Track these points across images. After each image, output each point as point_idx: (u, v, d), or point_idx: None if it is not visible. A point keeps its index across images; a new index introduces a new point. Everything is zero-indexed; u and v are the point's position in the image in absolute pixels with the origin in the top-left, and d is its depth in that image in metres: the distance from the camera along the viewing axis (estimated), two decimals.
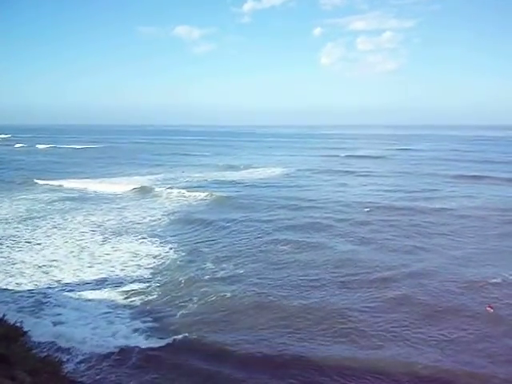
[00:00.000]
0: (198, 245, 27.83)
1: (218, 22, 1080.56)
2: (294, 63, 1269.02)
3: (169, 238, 29.33)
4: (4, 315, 10.78)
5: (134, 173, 63.61)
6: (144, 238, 29.37)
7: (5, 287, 20.99)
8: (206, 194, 44.64)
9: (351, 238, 28.87)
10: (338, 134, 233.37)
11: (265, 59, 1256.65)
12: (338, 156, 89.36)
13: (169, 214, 36.65)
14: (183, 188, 48.18)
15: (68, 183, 53.16)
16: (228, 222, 33.27)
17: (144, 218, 35.50)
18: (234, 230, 31.23)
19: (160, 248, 27.27)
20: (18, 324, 10.88)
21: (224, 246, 27.37)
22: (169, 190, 47.06)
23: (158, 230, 31.78)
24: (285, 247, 26.93)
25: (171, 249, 27.03)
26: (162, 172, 65.12)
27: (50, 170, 68.00)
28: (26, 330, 11.30)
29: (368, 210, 36.86)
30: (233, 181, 55.42)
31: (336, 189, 48.98)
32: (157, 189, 48.33)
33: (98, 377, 13.92)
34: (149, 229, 31.93)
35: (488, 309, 18.53)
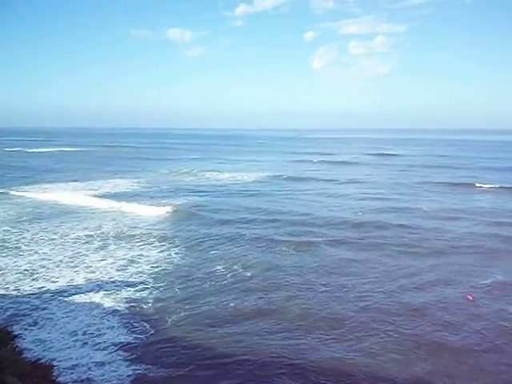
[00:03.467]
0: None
1: (210, 26, 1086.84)
2: (286, 67, 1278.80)
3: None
4: None
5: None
6: None
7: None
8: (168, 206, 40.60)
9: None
10: (326, 138, 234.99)
11: (256, 63, 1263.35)
12: (318, 162, 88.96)
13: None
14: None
15: None
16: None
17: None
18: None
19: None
20: (8, 328, 10.74)
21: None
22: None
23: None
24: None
25: None
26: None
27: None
28: (15, 333, 11.14)
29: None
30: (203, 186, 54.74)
31: (311, 199, 46.43)
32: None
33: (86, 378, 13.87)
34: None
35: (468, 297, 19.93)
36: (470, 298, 20.00)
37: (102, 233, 31.97)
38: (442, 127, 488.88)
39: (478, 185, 53.66)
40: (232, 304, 19.68)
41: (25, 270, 23.98)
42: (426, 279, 22.49)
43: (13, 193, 48.11)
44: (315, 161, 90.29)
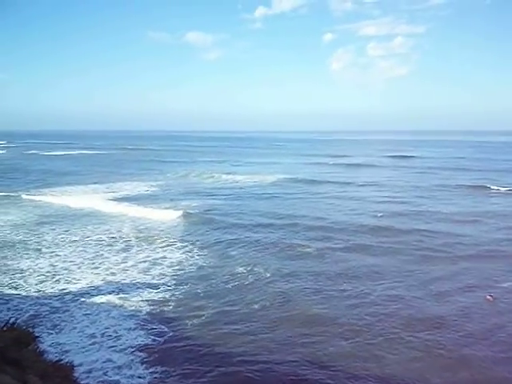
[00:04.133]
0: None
1: (229, 28, 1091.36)
2: (304, 69, 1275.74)
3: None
4: (16, 319, 10.87)
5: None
6: None
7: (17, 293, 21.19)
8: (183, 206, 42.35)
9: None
10: (344, 139, 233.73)
11: (275, 65, 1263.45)
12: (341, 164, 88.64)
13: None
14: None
15: None
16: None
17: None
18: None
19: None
20: (30, 329, 10.95)
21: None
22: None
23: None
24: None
25: None
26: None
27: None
28: (36, 335, 11.33)
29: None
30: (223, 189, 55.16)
31: (325, 203, 46.44)
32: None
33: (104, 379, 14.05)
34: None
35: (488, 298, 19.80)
36: (491, 299, 19.73)
37: (123, 235, 32.41)
38: (460, 129, 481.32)
39: (496, 187, 52.69)
40: (255, 306, 19.76)
41: (47, 271, 24.43)
42: (446, 285, 22.10)
43: (33, 196, 48.96)
44: (331, 163, 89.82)
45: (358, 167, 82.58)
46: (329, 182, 61.01)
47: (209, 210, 40.64)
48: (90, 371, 14.51)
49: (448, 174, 69.78)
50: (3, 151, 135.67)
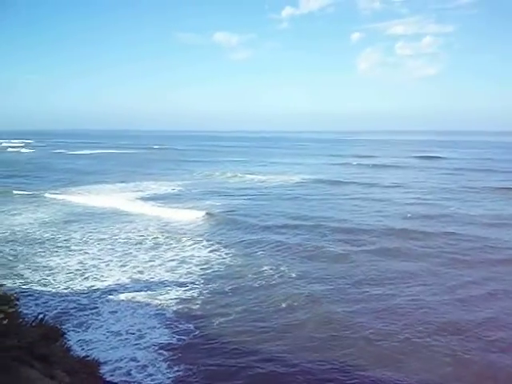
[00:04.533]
0: None
1: (256, 29, 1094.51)
2: (332, 68, 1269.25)
3: None
4: (44, 316, 11.09)
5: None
6: None
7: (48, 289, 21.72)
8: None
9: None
10: (370, 139, 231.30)
11: (302, 65, 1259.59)
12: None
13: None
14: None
15: None
16: None
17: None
18: None
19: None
20: (58, 325, 11.17)
21: None
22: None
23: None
24: None
25: None
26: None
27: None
28: (64, 331, 11.54)
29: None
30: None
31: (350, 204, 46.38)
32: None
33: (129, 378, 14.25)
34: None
35: None
36: None
37: (150, 233, 32.88)
38: (489, 129, 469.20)
39: None
40: (282, 305, 19.76)
41: (76, 269, 24.94)
42: (475, 290, 21.46)
43: (60, 195, 50.07)
44: (356, 163, 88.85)
45: (384, 168, 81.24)
46: (354, 183, 60.25)
47: (233, 211, 40.75)
48: (114, 369, 14.71)
49: (475, 175, 68.13)
50: (31, 150, 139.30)
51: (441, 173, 72.61)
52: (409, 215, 37.79)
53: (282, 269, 24.52)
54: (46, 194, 49.90)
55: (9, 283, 21.41)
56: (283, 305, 19.92)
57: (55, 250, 28.66)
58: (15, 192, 51.30)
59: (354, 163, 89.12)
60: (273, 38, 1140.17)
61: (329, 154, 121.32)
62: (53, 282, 22.95)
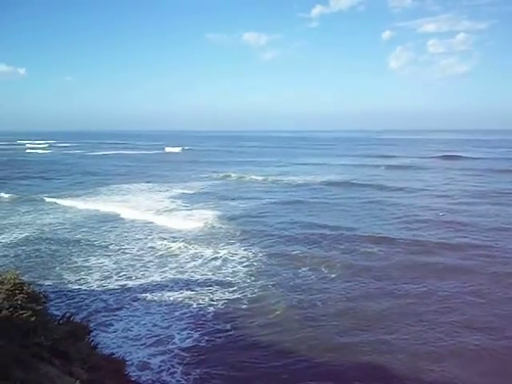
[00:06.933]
0: None
1: (285, 28, 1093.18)
2: (362, 67, 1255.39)
3: None
4: (72, 314, 11.35)
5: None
6: None
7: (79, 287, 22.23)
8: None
9: None
10: (401, 139, 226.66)
11: (331, 64, 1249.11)
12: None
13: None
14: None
15: None
16: None
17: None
18: None
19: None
20: (85, 323, 11.41)
21: None
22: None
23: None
24: None
25: None
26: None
27: None
28: (91, 329, 11.77)
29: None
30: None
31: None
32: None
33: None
34: None
35: None
36: None
37: (187, 233, 33.29)
38: None
39: None
40: (318, 304, 19.85)
41: (113, 269, 25.32)
42: None
43: (91, 195, 51.04)
44: (385, 164, 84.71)
45: (415, 170, 77.62)
46: (384, 186, 56.43)
47: (264, 212, 40.85)
48: (141, 369, 14.73)
49: (508, 176, 65.07)
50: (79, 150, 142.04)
51: (471, 174, 68.86)
52: (442, 214, 37.00)
53: (320, 269, 24.39)
54: (75, 195, 50.59)
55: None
56: (319, 303, 19.71)
57: (91, 249, 29.13)
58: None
59: (384, 164, 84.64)
60: (302, 37, 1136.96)
61: (359, 154, 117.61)
62: (87, 281, 23.34)
